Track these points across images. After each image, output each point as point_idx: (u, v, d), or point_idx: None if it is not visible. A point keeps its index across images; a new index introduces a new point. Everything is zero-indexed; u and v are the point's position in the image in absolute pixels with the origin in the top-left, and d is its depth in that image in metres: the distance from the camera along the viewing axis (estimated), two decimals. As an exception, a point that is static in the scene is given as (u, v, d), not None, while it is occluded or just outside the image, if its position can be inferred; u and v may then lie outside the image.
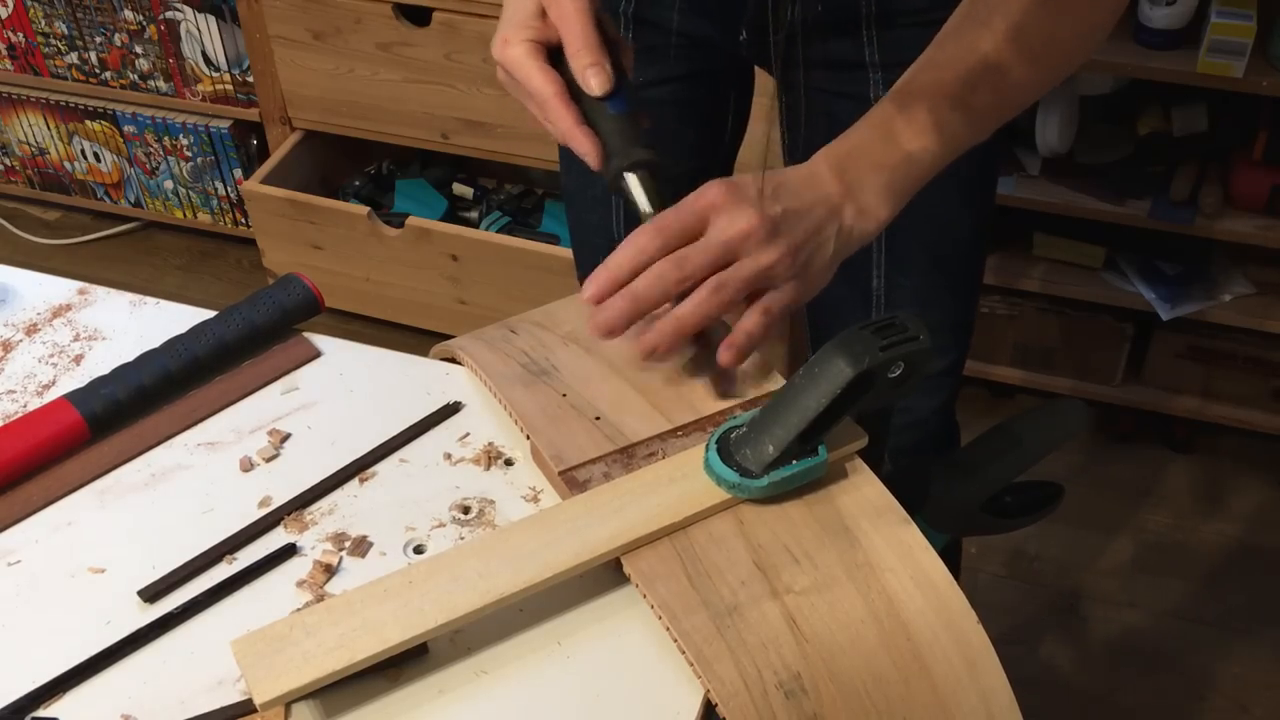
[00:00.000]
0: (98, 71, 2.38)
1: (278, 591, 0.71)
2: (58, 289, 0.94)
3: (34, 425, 0.78)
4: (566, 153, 1.21)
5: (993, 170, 1.12)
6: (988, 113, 0.83)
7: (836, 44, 0.99)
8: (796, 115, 1.07)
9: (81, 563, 0.73)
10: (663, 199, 0.79)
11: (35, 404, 0.84)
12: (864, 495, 0.72)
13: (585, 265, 1.27)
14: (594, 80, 0.78)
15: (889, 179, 0.80)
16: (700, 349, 0.80)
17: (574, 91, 0.80)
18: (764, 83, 1.18)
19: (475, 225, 2.24)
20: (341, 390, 0.84)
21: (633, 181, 0.79)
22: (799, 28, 1.00)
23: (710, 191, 0.76)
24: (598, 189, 1.18)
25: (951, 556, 1.11)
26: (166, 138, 2.40)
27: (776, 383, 0.79)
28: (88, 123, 2.45)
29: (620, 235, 1.19)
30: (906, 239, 1.06)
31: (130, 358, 0.83)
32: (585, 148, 0.79)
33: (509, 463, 0.79)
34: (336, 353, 0.87)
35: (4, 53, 2.42)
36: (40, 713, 0.65)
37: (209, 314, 0.91)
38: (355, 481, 0.78)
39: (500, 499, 0.76)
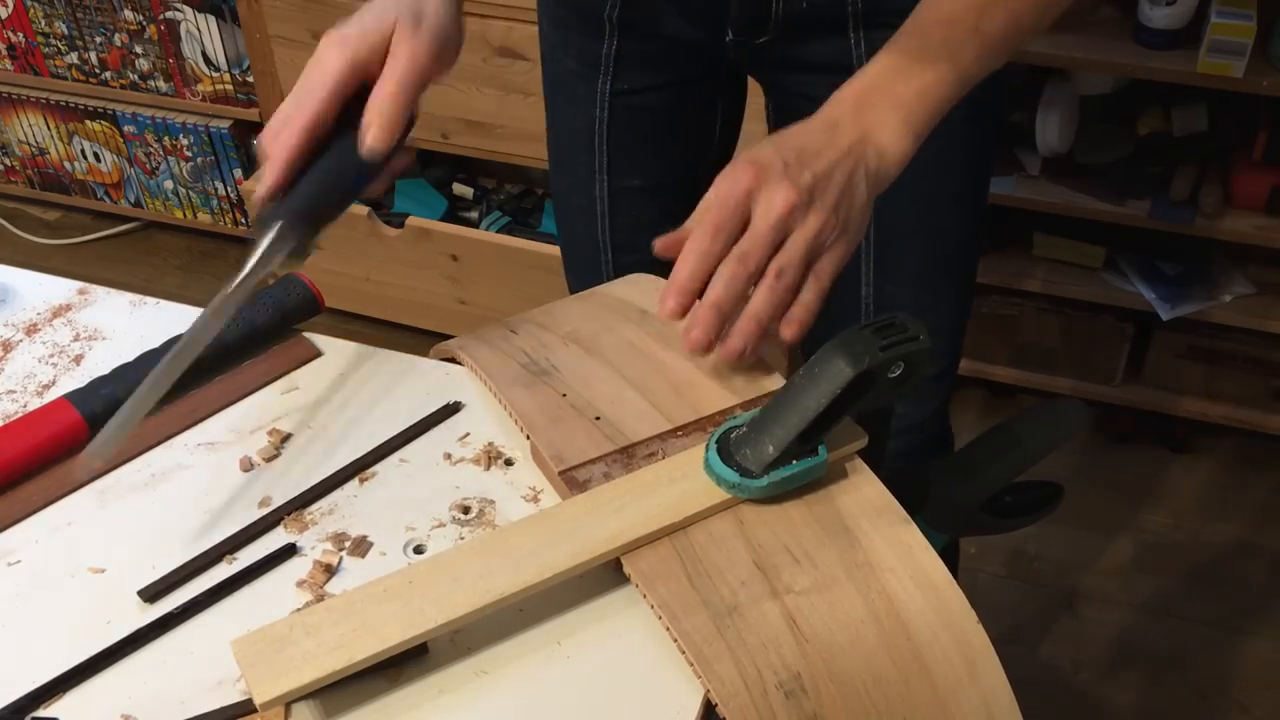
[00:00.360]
0: (98, 71, 2.38)
1: (278, 591, 0.71)
2: (58, 289, 0.94)
3: (34, 425, 0.78)
4: (557, 159, 1.21)
5: (985, 177, 1.12)
6: (1000, 38, 0.82)
7: (822, 45, 0.99)
8: (784, 119, 1.07)
9: (81, 563, 0.73)
10: (259, 275, 0.75)
11: (35, 404, 0.84)
12: (864, 495, 0.72)
13: (576, 270, 1.26)
14: (372, 140, 0.78)
15: (906, 114, 0.80)
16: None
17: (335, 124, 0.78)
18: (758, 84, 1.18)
19: (475, 225, 2.24)
20: (341, 390, 0.84)
21: (268, 240, 0.75)
22: (782, 28, 0.99)
23: (741, 177, 0.76)
24: (584, 198, 1.19)
25: (950, 556, 1.10)
26: (166, 138, 2.40)
27: (777, 383, 0.79)
28: (88, 123, 2.46)
29: (606, 244, 1.19)
30: (899, 247, 1.06)
31: (130, 358, 0.83)
32: (272, 176, 0.77)
33: (509, 463, 0.79)
34: (336, 353, 0.87)
35: (4, 53, 2.42)
36: (40, 713, 0.65)
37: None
38: (355, 481, 0.78)
39: (500, 499, 0.76)
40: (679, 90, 1.10)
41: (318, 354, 0.87)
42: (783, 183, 0.76)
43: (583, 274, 1.24)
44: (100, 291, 0.94)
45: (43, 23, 2.35)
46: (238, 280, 0.75)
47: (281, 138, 0.77)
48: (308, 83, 0.79)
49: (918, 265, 1.08)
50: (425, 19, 0.81)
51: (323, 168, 0.78)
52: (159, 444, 0.80)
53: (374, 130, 0.78)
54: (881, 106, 0.80)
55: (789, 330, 0.77)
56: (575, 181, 1.21)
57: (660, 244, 0.78)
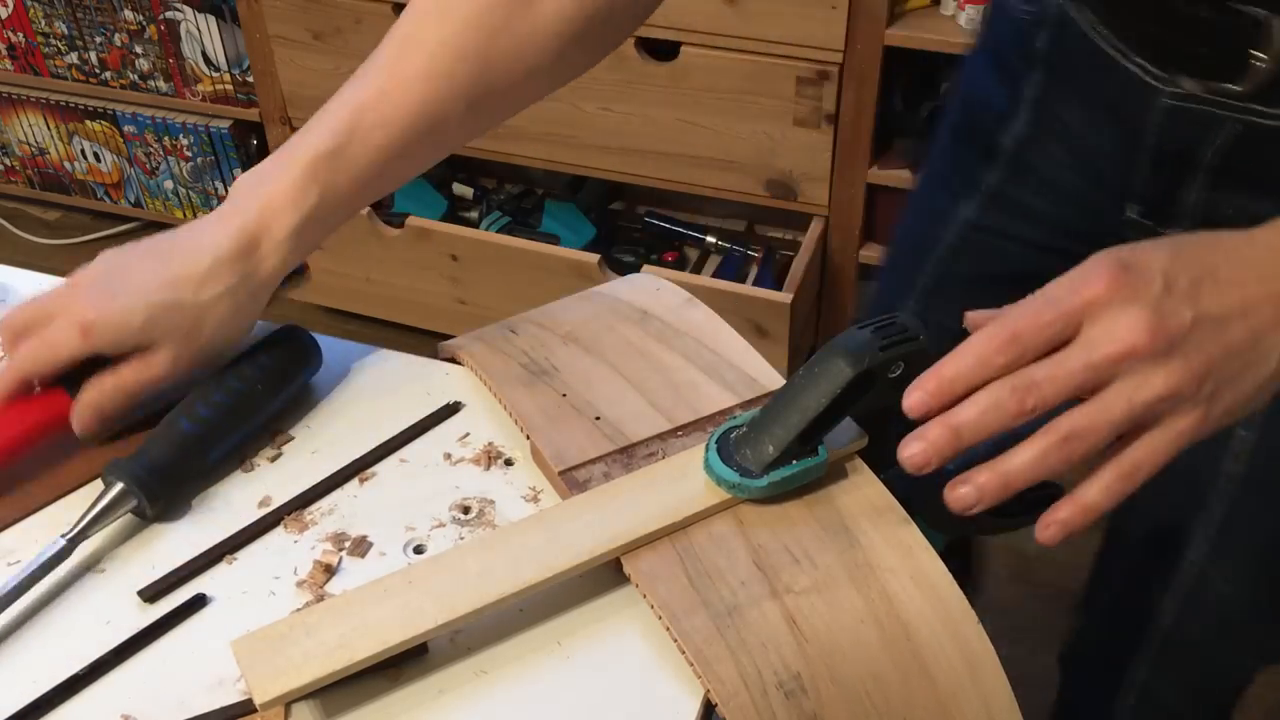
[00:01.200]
0: (98, 71, 2.38)
1: (278, 592, 0.71)
2: (58, 289, 0.94)
3: (26, 410, 0.78)
4: (892, 247, 1.08)
5: None
6: None
7: (1255, 204, 0.72)
8: None
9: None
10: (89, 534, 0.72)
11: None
12: (864, 495, 0.72)
13: (890, 270, 1.09)
14: (81, 430, 0.74)
15: None
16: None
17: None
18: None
19: (475, 225, 2.24)
20: (341, 390, 0.84)
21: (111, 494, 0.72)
22: (1201, 213, 0.79)
23: (1095, 278, 0.57)
24: (901, 297, 1.02)
25: (963, 560, 1.08)
26: (166, 138, 2.40)
27: (776, 383, 0.79)
28: (88, 123, 2.46)
29: (941, 253, 0.98)
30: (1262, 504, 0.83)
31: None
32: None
33: (509, 463, 0.79)
34: (336, 353, 0.87)
35: (4, 53, 2.42)
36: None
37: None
38: (355, 481, 0.78)
39: (500, 499, 0.76)
40: (1047, 253, 0.87)
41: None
42: (1142, 312, 0.56)
43: (895, 274, 1.09)
44: (100, 291, 0.93)
45: (43, 23, 2.35)
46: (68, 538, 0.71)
47: None
48: (34, 352, 0.73)
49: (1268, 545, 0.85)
50: (201, 332, 0.74)
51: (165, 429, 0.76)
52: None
53: (82, 422, 0.74)
54: None
55: (1045, 534, 0.60)
56: (896, 278, 1.06)
57: (970, 317, 0.62)
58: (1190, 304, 0.56)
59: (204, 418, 0.76)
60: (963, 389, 0.58)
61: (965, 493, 0.60)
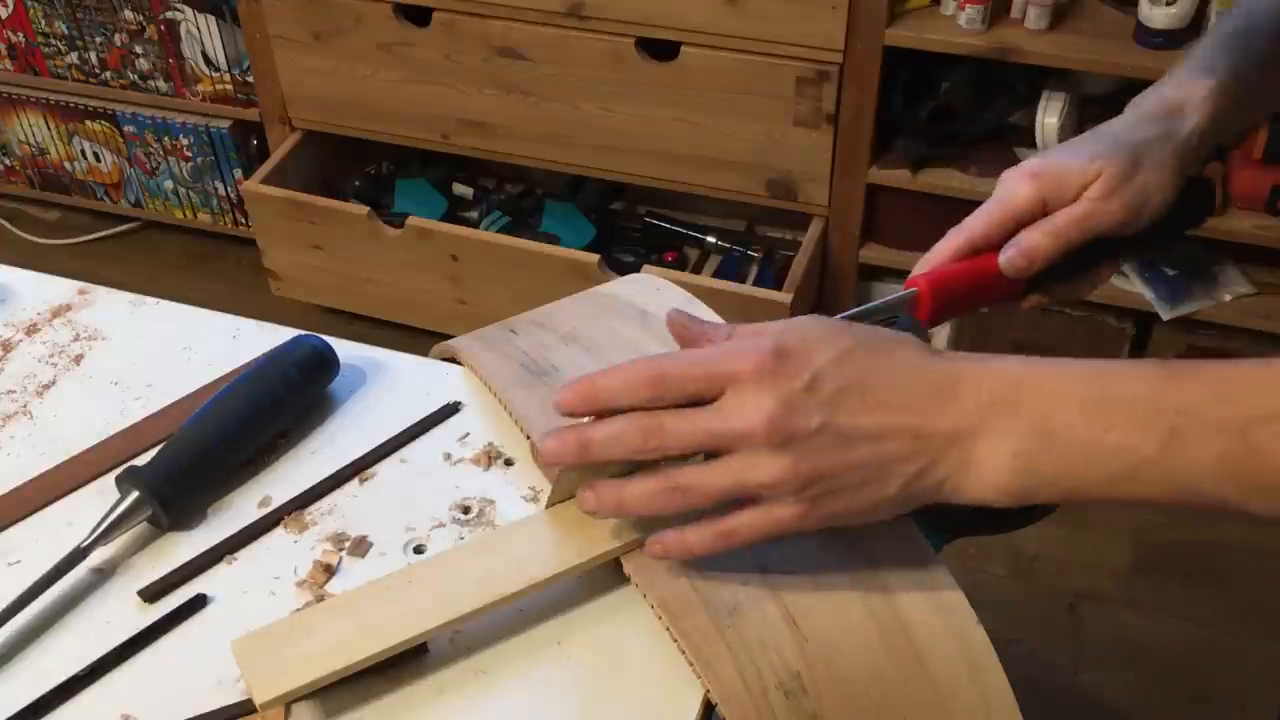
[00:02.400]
0: (98, 71, 2.38)
1: (278, 592, 0.71)
2: (58, 289, 0.94)
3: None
4: None
5: None
6: (1251, 467, 0.55)
7: None
8: None
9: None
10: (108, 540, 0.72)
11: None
12: (864, 495, 0.72)
13: None
14: (1006, 261, 0.74)
15: (1039, 443, 0.58)
16: None
17: None
18: None
19: (475, 225, 2.24)
20: (342, 390, 0.84)
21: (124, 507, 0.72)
22: None
23: (749, 354, 0.59)
24: None
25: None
26: (166, 138, 2.40)
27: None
28: (88, 123, 2.46)
29: None
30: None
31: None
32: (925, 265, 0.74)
33: (509, 463, 0.79)
34: (337, 352, 0.87)
35: (4, 53, 2.42)
36: None
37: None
38: (355, 481, 0.78)
39: (500, 499, 0.76)
40: None
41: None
42: (773, 399, 0.58)
43: None
44: (100, 291, 0.94)
45: (43, 23, 2.35)
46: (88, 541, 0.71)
47: (941, 250, 0.74)
48: (985, 205, 0.75)
49: None
50: (1138, 174, 0.74)
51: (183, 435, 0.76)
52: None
53: (1012, 252, 0.73)
54: (1028, 419, 0.58)
55: (650, 548, 0.64)
56: None
57: (669, 317, 0.65)
58: (824, 411, 0.58)
59: (221, 427, 0.76)
60: (607, 404, 0.61)
61: (586, 494, 0.64)
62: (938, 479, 0.60)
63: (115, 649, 0.68)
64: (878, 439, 0.59)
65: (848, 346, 0.60)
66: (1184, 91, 0.77)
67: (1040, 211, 0.74)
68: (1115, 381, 0.58)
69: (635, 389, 0.60)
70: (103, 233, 2.61)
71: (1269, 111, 0.79)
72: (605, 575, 0.69)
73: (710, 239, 2.24)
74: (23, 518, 0.76)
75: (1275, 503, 0.55)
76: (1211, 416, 0.56)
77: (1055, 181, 0.74)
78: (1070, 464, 0.58)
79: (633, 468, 0.64)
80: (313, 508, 0.76)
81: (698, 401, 0.60)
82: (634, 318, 0.85)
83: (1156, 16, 1.75)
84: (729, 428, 0.58)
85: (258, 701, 0.61)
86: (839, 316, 0.69)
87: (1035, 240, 0.73)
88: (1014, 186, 0.75)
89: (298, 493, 0.77)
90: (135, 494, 0.72)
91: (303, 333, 0.85)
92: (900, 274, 2.10)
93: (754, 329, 0.62)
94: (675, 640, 0.65)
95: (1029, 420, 0.58)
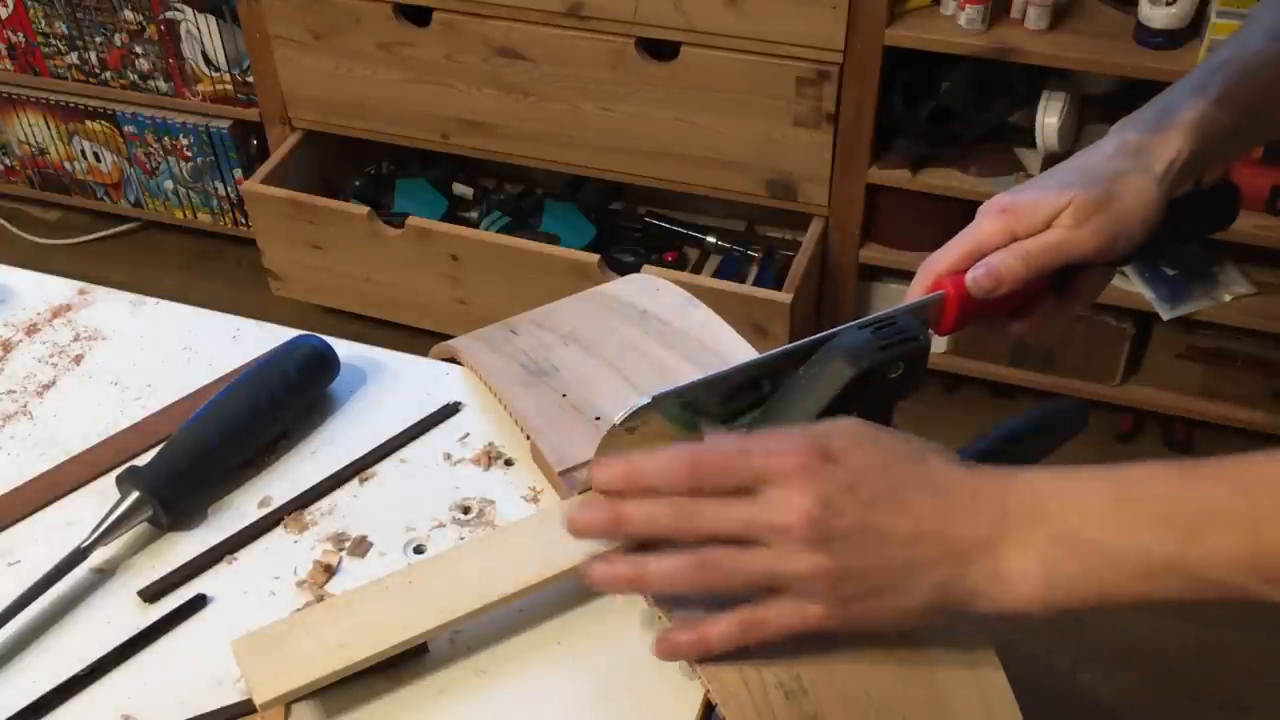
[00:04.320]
0: (98, 71, 2.38)
1: (278, 592, 0.71)
2: (58, 289, 0.94)
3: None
4: None
5: None
6: (1267, 559, 0.57)
7: None
8: None
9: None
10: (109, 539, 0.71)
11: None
12: (864, 495, 0.72)
13: None
14: (976, 280, 0.73)
15: (1071, 559, 0.58)
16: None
17: None
18: None
19: (475, 225, 2.24)
20: (342, 390, 0.84)
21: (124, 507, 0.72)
22: None
23: (792, 452, 0.60)
24: None
25: None
26: (166, 138, 2.40)
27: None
28: (88, 123, 2.45)
29: None
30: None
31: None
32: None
33: (509, 463, 0.79)
34: (336, 352, 0.87)
35: (4, 53, 2.42)
36: None
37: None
38: (355, 481, 0.78)
39: (500, 499, 0.76)
40: None
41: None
42: (812, 498, 0.58)
43: None
44: (100, 291, 0.94)
45: (43, 23, 2.34)
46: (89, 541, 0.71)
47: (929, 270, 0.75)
48: (952, 241, 0.75)
49: None
50: (1113, 203, 0.73)
51: (184, 437, 0.76)
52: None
53: (979, 272, 0.73)
54: (1051, 526, 0.59)
55: (659, 647, 0.63)
56: None
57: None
58: (863, 511, 0.59)
59: (221, 427, 0.76)
60: (645, 485, 0.61)
61: (601, 568, 0.63)
62: (967, 589, 0.60)
63: (115, 649, 0.68)
64: (910, 545, 0.59)
65: (888, 452, 0.61)
66: (1171, 117, 0.76)
67: (1007, 244, 0.74)
68: (1133, 483, 0.60)
69: (674, 474, 0.61)
70: (103, 233, 2.61)
71: (1261, 142, 0.79)
72: (605, 575, 0.69)
73: (710, 239, 2.24)
74: (23, 518, 0.76)
75: None
76: (1227, 513, 0.57)
77: (1024, 215, 0.74)
78: (1095, 567, 0.58)
79: (638, 547, 0.64)
80: (313, 508, 0.76)
81: (734, 492, 0.60)
82: (634, 318, 0.85)
83: (1156, 16, 1.75)
84: (769, 520, 0.59)
85: (258, 701, 0.61)
86: (855, 323, 0.69)
87: (1004, 261, 0.73)
88: (982, 222, 0.75)
89: (298, 493, 0.77)
90: (135, 494, 0.72)
91: (303, 333, 0.85)
92: (900, 274, 2.10)
93: (773, 438, 0.62)
94: (675, 640, 0.65)
95: (1053, 527, 0.59)
